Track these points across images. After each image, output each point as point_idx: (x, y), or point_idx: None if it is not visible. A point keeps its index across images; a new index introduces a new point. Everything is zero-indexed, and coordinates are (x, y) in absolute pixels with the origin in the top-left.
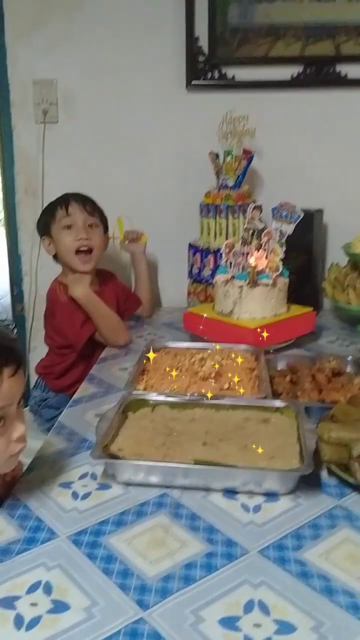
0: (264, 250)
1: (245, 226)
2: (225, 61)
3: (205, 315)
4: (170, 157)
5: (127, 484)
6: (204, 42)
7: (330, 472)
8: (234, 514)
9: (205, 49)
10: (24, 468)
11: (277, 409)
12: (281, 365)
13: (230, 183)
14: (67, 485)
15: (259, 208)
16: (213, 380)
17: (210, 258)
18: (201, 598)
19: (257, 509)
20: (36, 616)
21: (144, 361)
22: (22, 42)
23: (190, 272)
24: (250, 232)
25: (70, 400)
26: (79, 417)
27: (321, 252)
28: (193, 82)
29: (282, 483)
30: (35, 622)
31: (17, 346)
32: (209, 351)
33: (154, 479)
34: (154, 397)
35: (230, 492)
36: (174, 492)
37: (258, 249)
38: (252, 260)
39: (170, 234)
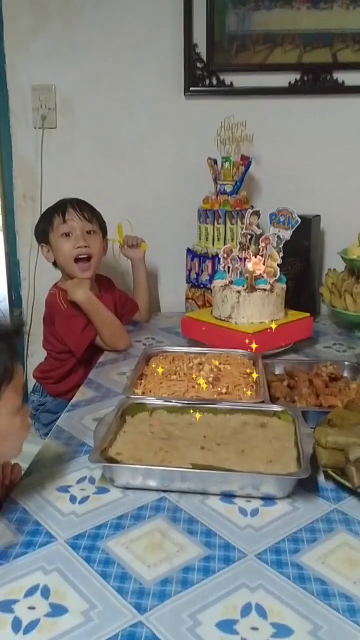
0: (262, 255)
1: (243, 232)
2: (223, 68)
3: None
4: (168, 163)
5: (125, 488)
6: (202, 49)
7: (328, 477)
8: (231, 517)
9: (204, 55)
10: (22, 472)
11: (275, 414)
12: (279, 370)
13: (228, 189)
14: (65, 489)
15: (256, 214)
16: (211, 385)
17: (208, 263)
18: (199, 601)
19: (254, 513)
20: (34, 620)
21: (142, 366)
22: (20, 48)
23: (189, 277)
24: (248, 237)
25: (69, 405)
26: (77, 422)
27: (318, 257)
28: (191, 89)
29: (280, 487)
30: (33, 625)
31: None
32: (207, 356)
33: (151, 483)
34: (152, 401)
35: (228, 496)
36: (172, 496)
37: (256, 255)
38: (249, 266)
39: (168, 239)
